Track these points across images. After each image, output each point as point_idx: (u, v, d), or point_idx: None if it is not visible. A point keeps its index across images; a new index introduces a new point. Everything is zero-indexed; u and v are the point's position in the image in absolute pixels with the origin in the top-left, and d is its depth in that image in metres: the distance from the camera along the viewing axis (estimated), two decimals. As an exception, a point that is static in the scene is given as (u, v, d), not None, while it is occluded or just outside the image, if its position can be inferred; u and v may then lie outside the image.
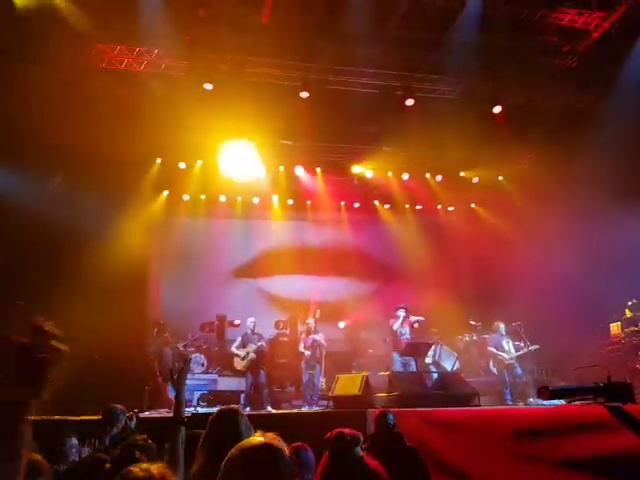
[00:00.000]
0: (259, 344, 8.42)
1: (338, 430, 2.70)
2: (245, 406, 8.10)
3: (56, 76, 8.00)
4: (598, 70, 8.82)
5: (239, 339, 8.66)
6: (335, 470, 2.45)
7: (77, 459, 3.46)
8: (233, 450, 1.46)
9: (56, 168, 9.49)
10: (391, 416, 3.65)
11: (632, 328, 8.83)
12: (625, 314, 9.10)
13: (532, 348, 8.57)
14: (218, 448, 2.39)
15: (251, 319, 8.82)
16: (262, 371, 8.40)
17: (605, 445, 1.81)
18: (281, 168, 11.48)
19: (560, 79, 9.30)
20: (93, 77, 8.61)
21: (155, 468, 1.50)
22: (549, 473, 1.98)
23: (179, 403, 2.59)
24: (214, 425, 2.29)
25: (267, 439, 1.48)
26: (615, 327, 9.27)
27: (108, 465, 2.33)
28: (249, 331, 8.64)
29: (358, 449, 2.62)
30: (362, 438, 2.70)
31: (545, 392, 2.03)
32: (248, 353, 8.39)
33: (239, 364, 8.49)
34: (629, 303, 9.00)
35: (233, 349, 8.59)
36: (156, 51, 8.71)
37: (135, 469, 1.47)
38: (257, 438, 1.49)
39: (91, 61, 8.65)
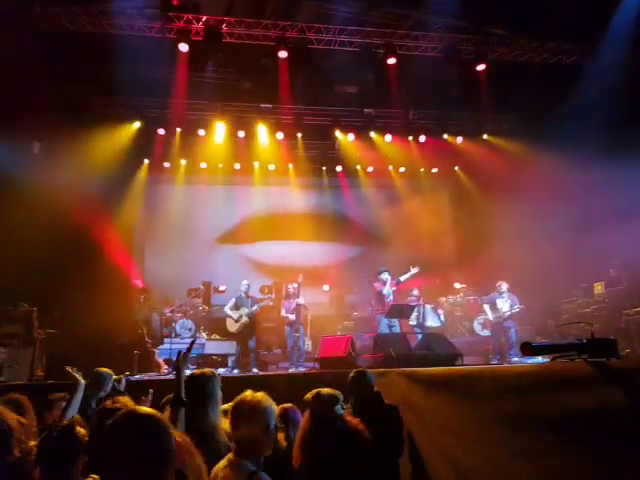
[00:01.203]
0: (253, 309, 8.28)
1: (317, 390, 2.69)
2: (233, 369, 8.18)
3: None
4: (583, 25, 8.62)
5: (233, 300, 8.46)
6: (315, 429, 2.45)
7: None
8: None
9: (34, 136, 9.23)
10: (370, 375, 3.67)
11: (616, 287, 8.82)
12: (609, 273, 9.09)
13: (515, 308, 8.64)
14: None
15: (245, 282, 8.61)
16: (254, 336, 8.33)
17: (589, 400, 1.81)
18: (261, 132, 11.21)
19: (545, 35, 9.11)
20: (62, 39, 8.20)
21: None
22: (534, 430, 1.99)
23: (179, 385, 2.57)
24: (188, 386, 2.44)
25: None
26: (599, 286, 9.23)
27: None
28: (242, 294, 8.45)
29: (338, 407, 2.62)
30: (342, 397, 2.70)
31: (527, 348, 2.02)
32: (241, 316, 8.26)
33: (232, 326, 8.35)
34: (613, 262, 9.02)
35: (226, 309, 8.42)
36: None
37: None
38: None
39: (60, 23, 8.20)
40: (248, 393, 2.34)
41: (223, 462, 2.17)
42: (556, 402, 1.86)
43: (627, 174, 8.00)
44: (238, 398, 2.34)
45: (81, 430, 2.32)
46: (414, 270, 8.89)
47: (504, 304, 8.72)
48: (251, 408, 2.26)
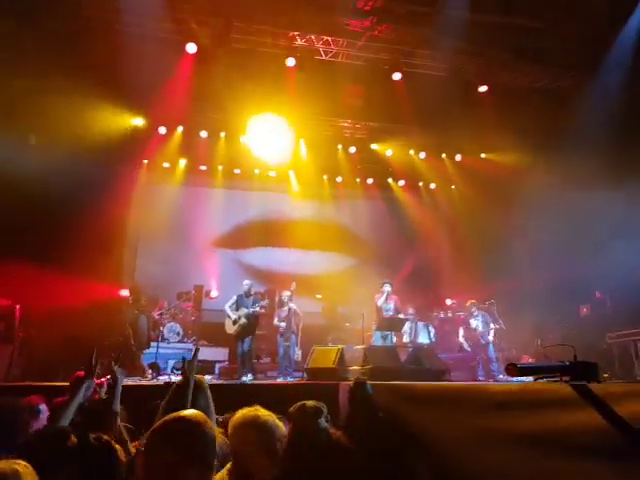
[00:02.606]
0: (252, 309, 8.01)
1: (301, 402, 2.71)
2: (219, 376, 8.13)
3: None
4: (584, 51, 8.80)
5: (234, 298, 8.23)
6: (298, 441, 2.46)
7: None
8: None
9: (29, 129, 9.20)
10: (369, 386, 3.69)
11: (601, 310, 9.05)
12: (595, 295, 9.30)
13: (493, 327, 8.72)
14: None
15: (247, 282, 8.38)
16: (251, 339, 8.06)
17: (568, 421, 1.86)
18: (264, 138, 11.27)
19: (545, 60, 9.28)
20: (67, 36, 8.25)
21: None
22: (514, 446, 2.03)
23: (187, 390, 2.57)
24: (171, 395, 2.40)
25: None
26: (585, 309, 9.49)
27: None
28: (244, 294, 8.19)
29: (322, 420, 2.63)
30: (325, 409, 2.71)
31: (513, 369, 2.07)
32: (240, 317, 8.02)
33: (230, 328, 8.12)
34: (600, 285, 9.21)
35: (226, 308, 8.18)
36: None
37: None
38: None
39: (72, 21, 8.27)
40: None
41: (222, 473, 2.20)
42: (537, 419, 1.90)
43: (620, 196, 8.16)
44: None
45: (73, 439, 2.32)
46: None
47: (478, 323, 8.86)
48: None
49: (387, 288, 8.81)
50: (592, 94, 8.99)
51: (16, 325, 7.03)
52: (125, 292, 9.82)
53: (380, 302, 8.74)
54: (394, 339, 8.68)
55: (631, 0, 8.33)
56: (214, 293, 11.17)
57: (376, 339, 8.53)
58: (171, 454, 1.44)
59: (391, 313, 8.77)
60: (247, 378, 7.65)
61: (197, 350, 2.90)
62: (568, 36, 8.47)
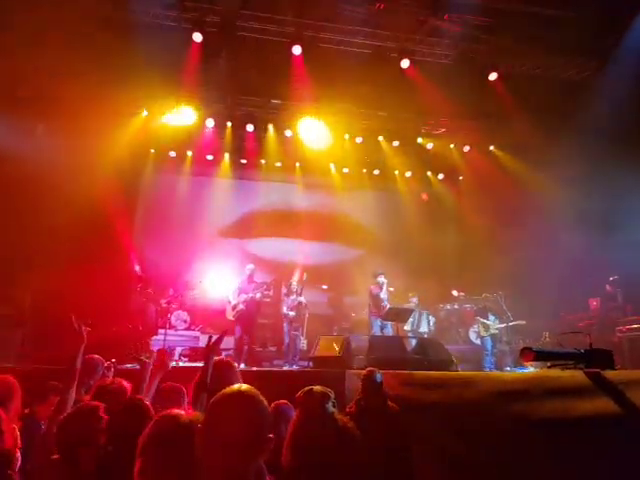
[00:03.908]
0: (250, 295, 7.98)
1: (308, 387, 2.70)
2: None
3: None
4: (597, 40, 8.64)
5: (236, 284, 8.26)
6: (305, 426, 2.45)
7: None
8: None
9: (38, 119, 9.22)
10: (379, 375, 3.72)
11: (611, 303, 8.97)
12: (605, 289, 9.22)
13: (518, 322, 8.81)
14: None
15: (249, 266, 8.37)
16: (249, 327, 8.00)
17: (582, 409, 1.83)
18: (270, 128, 11.23)
19: (559, 49, 9.11)
20: (74, 25, 8.18)
21: None
22: (527, 434, 2.01)
23: (206, 370, 2.59)
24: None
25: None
26: (594, 302, 9.41)
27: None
28: (246, 278, 8.17)
29: (329, 406, 2.61)
30: (333, 395, 2.71)
31: (529, 353, 2.03)
32: (238, 303, 8.02)
33: (229, 313, 8.13)
34: (610, 279, 9.12)
35: (229, 294, 8.22)
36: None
37: None
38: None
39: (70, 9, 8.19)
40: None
41: None
42: (550, 407, 1.87)
43: (629, 189, 8.05)
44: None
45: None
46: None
47: (495, 319, 9.11)
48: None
49: (382, 279, 8.86)
50: (605, 84, 8.85)
51: (26, 310, 7.12)
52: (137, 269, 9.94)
53: (377, 292, 8.80)
54: (390, 330, 8.70)
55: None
56: (221, 282, 11.21)
57: (375, 328, 8.58)
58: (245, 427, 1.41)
59: (386, 302, 8.75)
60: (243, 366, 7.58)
61: (224, 332, 2.90)
62: (579, 24, 8.31)
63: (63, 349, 3.32)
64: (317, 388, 2.71)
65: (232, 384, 2.30)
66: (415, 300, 9.98)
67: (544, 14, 8.35)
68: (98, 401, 2.58)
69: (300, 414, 2.55)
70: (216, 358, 2.94)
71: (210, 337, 2.73)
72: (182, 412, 1.74)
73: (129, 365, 6.82)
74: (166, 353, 3.07)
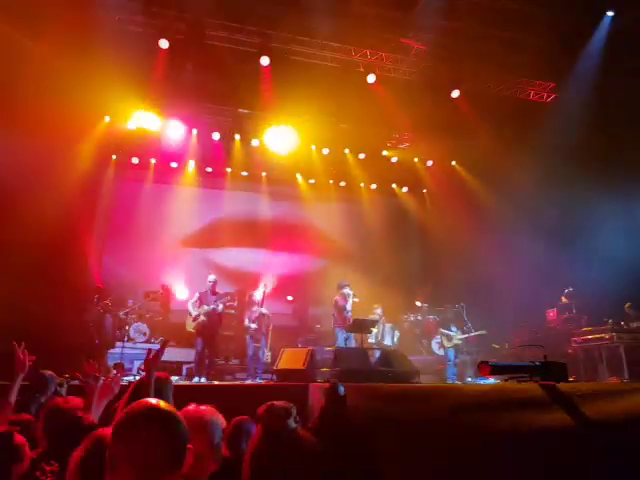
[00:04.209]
0: (211, 306, 7.72)
1: (269, 402, 2.65)
2: (186, 377, 7.96)
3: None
4: (554, 61, 9.06)
5: (196, 295, 7.98)
6: (266, 442, 2.40)
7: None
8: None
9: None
10: (342, 388, 3.71)
11: (566, 314, 9.29)
12: (561, 300, 9.54)
13: (480, 332, 9.01)
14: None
15: (211, 277, 8.14)
16: (210, 340, 7.74)
17: (538, 420, 1.87)
18: (237, 137, 11.18)
19: (517, 70, 9.51)
20: (41, 32, 7.95)
21: None
22: (484, 446, 2.03)
23: (149, 385, 2.46)
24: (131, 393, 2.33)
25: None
26: (551, 313, 9.74)
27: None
28: (208, 290, 7.92)
29: (291, 421, 2.57)
30: (294, 410, 2.67)
31: (485, 366, 2.06)
32: (199, 314, 7.75)
33: (189, 325, 7.85)
34: (565, 290, 9.45)
35: (189, 305, 7.94)
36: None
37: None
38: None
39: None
40: (191, 407, 2.27)
41: None
42: (506, 420, 1.91)
43: (582, 204, 8.44)
44: (180, 412, 2.27)
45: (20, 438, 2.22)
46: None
47: (456, 330, 9.37)
48: (194, 423, 2.18)
49: (347, 290, 8.88)
50: (561, 105, 9.29)
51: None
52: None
53: (348, 305, 8.80)
54: (353, 341, 8.75)
55: (597, 15, 8.62)
56: (182, 293, 10.96)
57: (339, 339, 8.58)
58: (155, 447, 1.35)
59: (350, 314, 8.81)
60: (197, 380, 7.35)
61: (165, 342, 2.79)
62: (538, 48, 8.70)
63: (11, 364, 3.14)
64: (278, 403, 2.66)
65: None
66: (379, 311, 10.04)
67: (504, 37, 8.72)
68: (48, 420, 2.45)
69: (261, 430, 2.50)
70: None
71: (149, 350, 2.62)
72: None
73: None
74: (116, 375, 2.94)
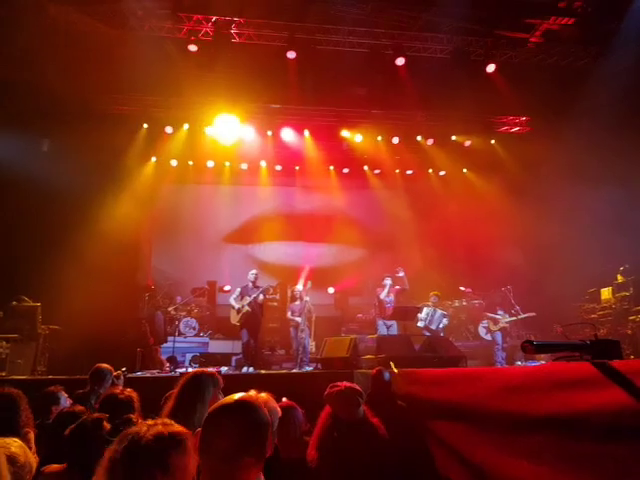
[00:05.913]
0: (254, 296, 7.85)
1: (337, 385, 2.67)
2: (236, 368, 8.15)
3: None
4: (596, 27, 8.56)
5: (238, 290, 8.11)
6: (336, 428, 2.44)
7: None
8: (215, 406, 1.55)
9: (44, 133, 9.37)
10: (387, 374, 3.77)
11: (623, 293, 8.78)
12: (617, 279, 9.03)
13: (529, 315, 8.75)
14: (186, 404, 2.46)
15: (253, 271, 8.27)
16: (255, 330, 7.89)
17: (590, 401, 1.79)
18: (269, 133, 11.24)
19: (556, 37, 9.04)
20: (74, 38, 8.27)
21: None
22: (534, 428, 1.97)
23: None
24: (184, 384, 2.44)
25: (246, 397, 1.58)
26: (606, 292, 9.22)
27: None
28: (250, 284, 8.04)
29: (360, 409, 2.61)
30: (363, 396, 2.69)
31: (529, 346, 1.98)
32: (243, 306, 7.88)
33: (234, 318, 7.98)
34: (621, 268, 8.95)
35: (231, 300, 8.07)
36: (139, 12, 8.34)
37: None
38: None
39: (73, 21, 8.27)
40: (252, 393, 2.33)
41: None
42: (556, 401, 1.84)
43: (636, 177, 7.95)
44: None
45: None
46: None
47: (504, 314, 9.14)
48: None
49: (388, 281, 9.04)
50: (604, 71, 8.75)
51: (39, 323, 7.24)
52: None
53: (382, 295, 8.96)
54: (395, 330, 8.86)
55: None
56: (227, 287, 11.26)
57: (380, 329, 8.66)
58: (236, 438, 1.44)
59: (391, 305, 8.89)
60: (245, 370, 7.49)
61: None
62: (577, 12, 8.25)
63: (75, 360, 3.37)
64: (348, 388, 2.69)
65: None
66: (434, 299, 9.87)
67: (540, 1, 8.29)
68: (105, 410, 2.58)
69: (330, 414, 2.52)
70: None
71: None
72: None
73: (139, 373, 6.87)
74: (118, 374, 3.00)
